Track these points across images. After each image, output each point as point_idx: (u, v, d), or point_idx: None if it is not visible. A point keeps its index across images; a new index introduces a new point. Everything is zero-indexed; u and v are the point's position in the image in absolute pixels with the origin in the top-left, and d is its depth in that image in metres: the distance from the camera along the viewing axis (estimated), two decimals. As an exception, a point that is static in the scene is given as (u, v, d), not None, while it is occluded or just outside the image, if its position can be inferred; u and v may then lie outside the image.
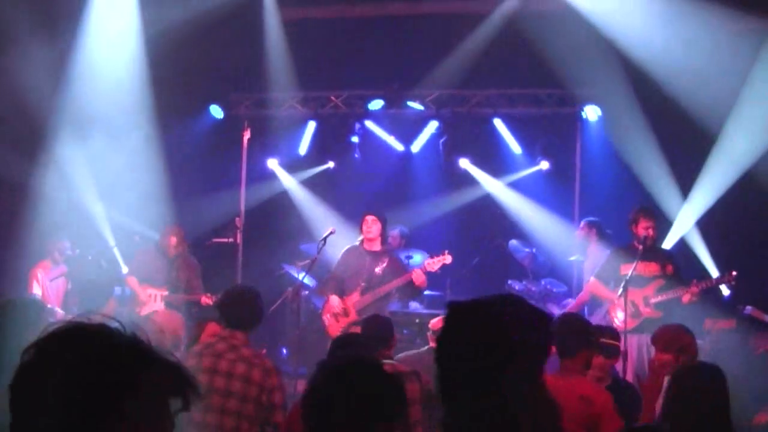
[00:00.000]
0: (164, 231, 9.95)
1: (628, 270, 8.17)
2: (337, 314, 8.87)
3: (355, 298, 8.86)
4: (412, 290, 8.95)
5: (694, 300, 8.17)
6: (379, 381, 2.45)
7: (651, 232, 8.47)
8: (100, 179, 11.35)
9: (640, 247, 8.35)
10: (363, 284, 8.83)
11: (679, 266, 8.70)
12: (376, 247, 8.97)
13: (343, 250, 9.06)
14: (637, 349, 8.19)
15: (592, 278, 8.85)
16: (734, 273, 8.26)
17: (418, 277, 8.70)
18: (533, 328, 2.22)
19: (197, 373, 4.95)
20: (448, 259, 8.85)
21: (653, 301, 8.32)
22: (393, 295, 9.04)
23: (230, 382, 5.09)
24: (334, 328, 8.81)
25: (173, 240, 9.75)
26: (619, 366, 7.10)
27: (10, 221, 10.54)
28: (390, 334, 6.22)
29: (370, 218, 8.90)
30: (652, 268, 8.42)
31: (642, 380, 7.51)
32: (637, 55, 10.48)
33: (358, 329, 8.58)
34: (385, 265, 8.88)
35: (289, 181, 13.05)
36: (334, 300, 8.88)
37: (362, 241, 8.99)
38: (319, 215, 12.22)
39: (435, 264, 8.80)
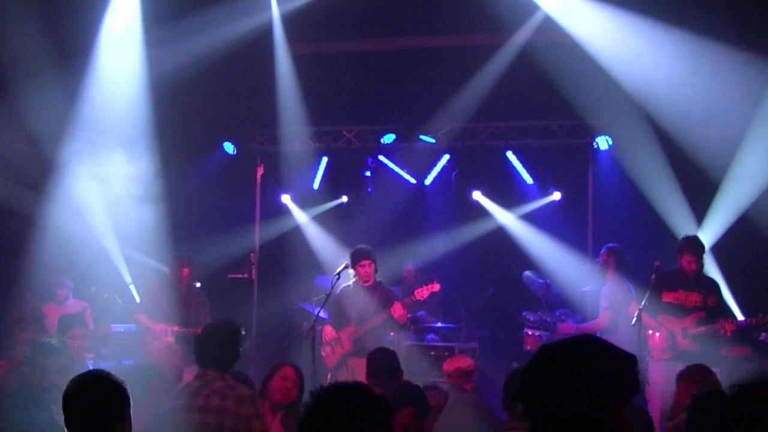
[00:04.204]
0: (174, 263, 9.88)
1: (670, 297, 8.33)
2: (332, 345, 9.12)
3: (350, 329, 9.08)
4: (395, 323, 9.14)
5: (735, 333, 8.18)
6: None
7: (694, 266, 8.48)
8: (115, 216, 11.44)
9: (653, 276, 8.35)
10: (356, 316, 9.08)
11: (722, 298, 8.72)
12: (370, 282, 9.22)
13: (339, 290, 9.23)
14: (667, 378, 8.14)
15: (638, 310, 8.63)
16: None
17: (397, 310, 8.91)
18: None
19: (176, 412, 5.01)
20: (436, 287, 9.16)
21: (692, 332, 8.28)
22: (387, 326, 9.14)
23: (205, 416, 5.03)
24: (330, 359, 9.11)
25: (184, 271, 9.70)
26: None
27: (23, 256, 10.55)
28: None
29: (367, 263, 9.14)
30: (693, 298, 8.41)
31: (666, 409, 7.46)
32: (645, 90, 10.52)
33: (354, 360, 8.79)
34: (377, 297, 9.13)
35: (301, 217, 13.10)
36: (327, 330, 9.20)
37: (356, 280, 9.25)
38: (332, 250, 12.25)
39: (424, 292, 9.08)
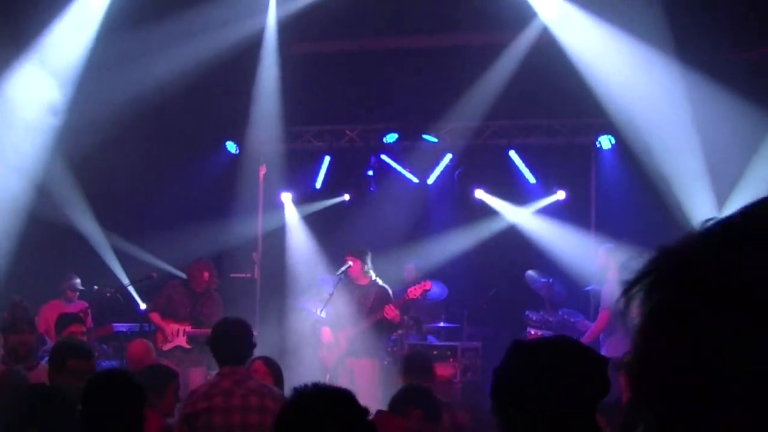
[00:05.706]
0: (195, 265, 9.74)
1: None
2: (330, 346, 9.17)
3: (347, 330, 9.13)
4: (388, 325, 9.17)
5: None
6: None
7: None
8: (119, 217, 11.42)
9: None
10: (351, 316, 9.14)
11: None
12: (364, 281, 9.28)
13: (338, 290, 9.26)
14: None
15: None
16: None
17: (389, 311, 8.95)
18: None
19: (211, 414, 4.97)
20: (427, 285, 9.28)
21: None
22: (383, 327, 9.13)
23: (245, 416, 5.04)
24: (327, 360, 9.19)
25: (205, 274, 9.58)
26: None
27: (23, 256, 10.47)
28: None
29: (346, 258, 9.30)
30: None
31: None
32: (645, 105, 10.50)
33: (351, 360, 8.82)
34: (372, 297, 9.16)
35: (295, 217, 13.00)
36: (325, 332, 9.30)
37: (353, 278, 9.35)
38: (334, 250, 12.20)
39: (416, 291, 9.15)
